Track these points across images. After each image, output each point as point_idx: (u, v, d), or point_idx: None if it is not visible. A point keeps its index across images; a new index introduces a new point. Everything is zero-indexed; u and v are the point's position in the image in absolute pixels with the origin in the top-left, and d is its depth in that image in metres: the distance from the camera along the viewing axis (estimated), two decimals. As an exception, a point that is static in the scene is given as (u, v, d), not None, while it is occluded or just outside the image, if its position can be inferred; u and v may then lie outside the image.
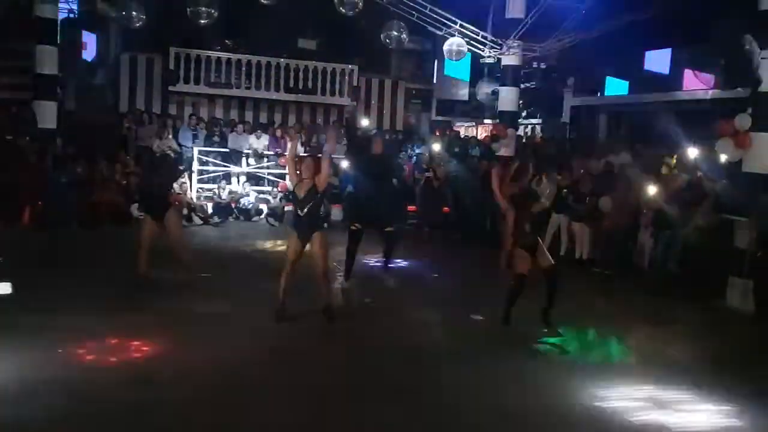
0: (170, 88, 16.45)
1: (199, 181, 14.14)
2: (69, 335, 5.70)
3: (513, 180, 7.11)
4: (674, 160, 11.59)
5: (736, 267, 8.18)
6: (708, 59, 13.64)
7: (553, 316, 6.75)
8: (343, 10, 12.31)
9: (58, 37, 13.07)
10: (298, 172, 6.87)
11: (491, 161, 12.98)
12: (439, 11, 13.71)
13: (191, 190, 13.60)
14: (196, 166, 13.99)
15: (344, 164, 14.45)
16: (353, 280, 8.12)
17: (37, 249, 9.19)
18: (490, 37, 14.29)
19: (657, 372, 5.78)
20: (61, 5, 13.34)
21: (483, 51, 14.49)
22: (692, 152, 10.93)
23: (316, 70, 17.15)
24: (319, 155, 10.06)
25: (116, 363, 5.26)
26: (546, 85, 19.00)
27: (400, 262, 8.70)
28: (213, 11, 12.37)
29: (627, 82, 17.52)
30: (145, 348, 5.59)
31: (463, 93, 19.91)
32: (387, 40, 13.34)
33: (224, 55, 16.65)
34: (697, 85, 14.78)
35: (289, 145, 8.56)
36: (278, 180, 14.20)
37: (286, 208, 12.93)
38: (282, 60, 16.93)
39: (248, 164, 14.77)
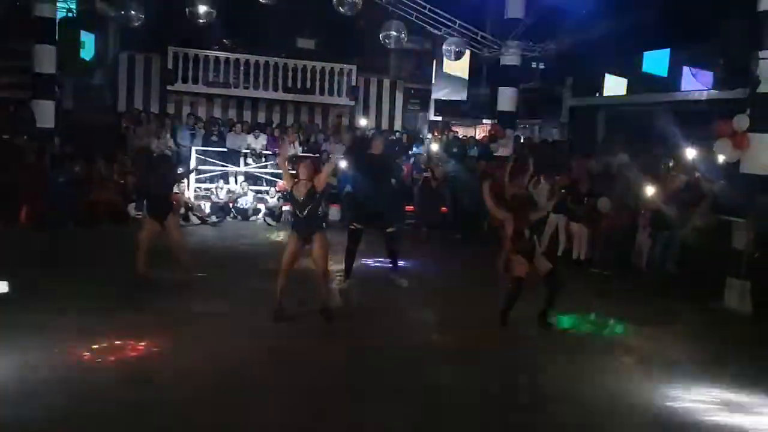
0: (168, 87, 16.44)
1: (197, 180, 14.13)
2: (68, 335, 5.70)
3: (511, 177, 7.13)
4: (672, 161, 11.62)
5: (733, 268, 8.19)
6: (707, 59, 13.67)
7: (552, 317, 6.79)
8: (342, 10, 12.32)
9: (57, 37, 13.06)
10: (292, 171, 6.87)
11: (489, 161, 13.03)
12: (438, 11, 13.72)
13: (189, 190, 13.60)
14: (194, 166, 13.97)
15: (342, 164, 14.45)
16: (352, 280, 8.12)
17: (35, 248, 9.18)
18: (489, 37, 14.31)
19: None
20: (59, 4, 13.32)
21: (482, 51, 14.51)
22: (690, 153, 10.94)
23: (314, 69, 17.14)
24: (317, 155, 10.04)
25: (115, 363, 5.26)
26: (544, 85, 19.04)
27: (399, 263, 8.68)
28: (212, 11, 12.37)
29: (626, 80, 17.53)
30: (144, 348, 5.59)
31: (462, 93, 19.91)
32: (386, 40, 13.34)
33: (223, 55, 16.63)
34: (695, 85, 14.81)
35: (280, 151, 8.53)
36: (276, 180, 14.18)
37: (283, 208, 12.93)
38: (280, 60, 16.92)
39: (246, 164, 14.77)
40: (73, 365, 5.14)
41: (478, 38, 14.25)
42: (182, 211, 12.04)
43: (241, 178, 14.31)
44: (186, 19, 12.61)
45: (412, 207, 13.08)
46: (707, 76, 14.20)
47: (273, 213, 13.28)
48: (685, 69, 15.18)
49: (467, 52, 14.95)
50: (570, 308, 7.27)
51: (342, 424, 4.52)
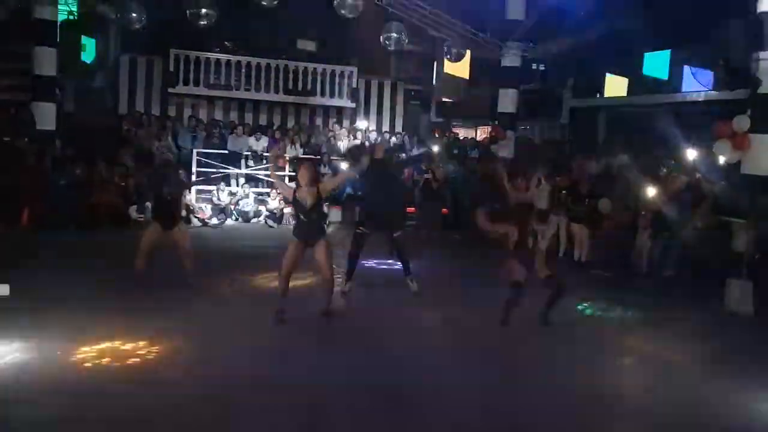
0: (170, 89, 16.48)
1: (198, 183, 14.13)
2: (68, 336, 5.70)
3: (510, 181, 7.12)
4: (673, 162, 11.62)
5: (734, 269, 8.18)
6: (707, 60, 13.66)
7: (551, 318, 6.80)
8: (343, 13, 12.33)
9: (58, 39, 13.08)
10: (292, 173, 6.89)
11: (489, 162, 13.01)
12: (439, 12, 13.72)
13: (190, 192, 13.60)
14: (195, 179, 13.98)
15: (343, 166, 14.46)
16: (353, 283, 8.11)
17: (36, 251, 9.19)
18: (489, 38, 14.32)
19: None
20: (60, 7, 13.34)
21: (482, 52, 14.52)
22: (691, 154, 10.94)
23: (315, 71, 17.17)
24: (317, 156, 9.97)
25: (116, 364, 5.26)
26: (545, 86, 19.04)
27: (398, 264, 8.69)
28: (213, 13, 12.39)
29: (626, 80, 17.53)
30: (144, 349, 5.59)
31: (463, 95, 19.91)
32: (386, 42, 13.36)
33: (224, 57, 16.67)
34: (696, 86, 14.80)
35: (270, 167, 8.42)
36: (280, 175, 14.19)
37: (285, 210, 12.94)
38: (281, 62, 16.95)
39: (247, 166, 14.78)
40: (73, 366, 5.14)
41: (479, 39, 14.25)
42: (183, 213, 12.05)
43: (242, 181, 14.33)
44: (187, 21, 12.62)
45: (412, 208, 13.08)
46: (708, 77, 14.20)
47: (274, 215, 13.29)
48: (686, 70, 15.18)
49: (468, 54, 14.96)
50: (568, 309, 7.26)
51: (342, 425, 4.51)
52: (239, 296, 7.53)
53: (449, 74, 16.95)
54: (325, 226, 6.93)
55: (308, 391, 4.95)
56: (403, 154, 14.39)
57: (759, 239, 8.05)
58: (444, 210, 12.65)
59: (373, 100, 18.57)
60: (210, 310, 6.88)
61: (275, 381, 5.13)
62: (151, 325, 6.14)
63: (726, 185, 9.33)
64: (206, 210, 13.07)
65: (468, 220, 12.13)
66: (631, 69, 17.00)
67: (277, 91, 17.04)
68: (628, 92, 17.53)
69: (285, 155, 14.87)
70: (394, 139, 16.76)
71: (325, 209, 10.01)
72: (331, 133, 16.34)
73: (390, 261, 9.28)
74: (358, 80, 17.64)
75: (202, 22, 12.54)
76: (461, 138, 17.93)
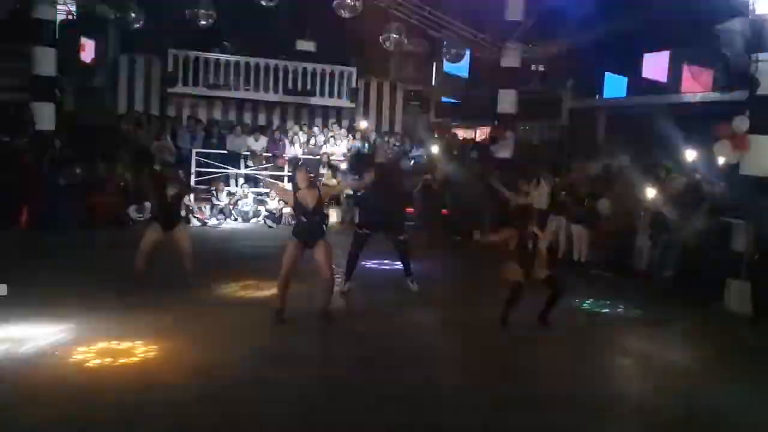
0: (169, 89, 16.46)
1: (197, 183, 14.13)
2: (67, 336, 5.70)
3: (511, 188, 7.16)
4: (672, 163, 11.61)
5: (734, 270, 8.19)
6: (707, 61, 13.66)
7: (551, 318, 6.81)
8: (343, 14, 12.33)
9: (56, 39, 13.07)
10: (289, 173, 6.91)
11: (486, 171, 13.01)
12: (438, 13, 13.72)
13: (190, 194, 13.58)
14: (194, 168, 13.99)
15: (343, 166, 14.46)
16: (353, 283, 8.12)
17: (35, 251, 9.18)
18: (488, 39, 14.32)
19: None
20: (59, 7, 13.33)
21: (482, 53, 14.52)
22: (690, 155, 10.94)
23: (314, 72, 17.16)
24: (317, 156, 9.92)
25: (115, 364, 5.25)
26: (544, 87, 19.01)
27: (398, 264, 8.70)
28: (212, 13, 12.39)
29: (626, 78, 17.50)
30: (144, 349, 5.58)
31: (462, 95, 19.92)
32: (386, 42, 13.35)
33: (223, 57, 16.65)
34: (695, 87, 14.80)
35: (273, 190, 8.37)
36: (276, 182, 14.19)
37: (284, 210, 12.94)
38: (281, 62, 16.94)
39: (246, 166, 14.78)
40: (72, 366, 5.14)
41: (478, 40, 14.25)
42: (182, 213, 12.05)
43: (241, 181, 14.32)
44: (186, 21, 12.62)
45: (412, 209, 13.08)
46: (707, 78, 14.20)
47: (273, 215, 13.29)
48: (685, 71, 15.17)
49: (467, 54, 14.95)
50: (569, 308, 7.27)
51: (342, 424, 4.51)
52: (239, 296, 7.53)
53: (449, 74, 16.97)
54: (325, 227, 6.91)
55: (308, 391, 4.96)
56: (411, 161, 14.35)
57: (758, 240, 8.05)
58: (444, 211, 12.65)
59: (373, 101, 18.57)
60: (209, 310, 6.88)
61: (275, 381, 5.13)
62: (151, 325, 6.14)
63: (725, 186, 9.33)
64: (205, 210, 13.07)
65: (467, 222, 12.19)
66: (630, 70, 16.99)
67: (276, 92, 17.03)
68: (628, 93, 17.51)
69: (284, 155, 14.89)
70: (395, 140, 16.74)
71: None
72: (331, 134, 16.33)
73: (389, 261, 9.27)
74: (357, 80, 17.64)
75: (201, 22, 12.53)
76: (461, 138, 17.89)
